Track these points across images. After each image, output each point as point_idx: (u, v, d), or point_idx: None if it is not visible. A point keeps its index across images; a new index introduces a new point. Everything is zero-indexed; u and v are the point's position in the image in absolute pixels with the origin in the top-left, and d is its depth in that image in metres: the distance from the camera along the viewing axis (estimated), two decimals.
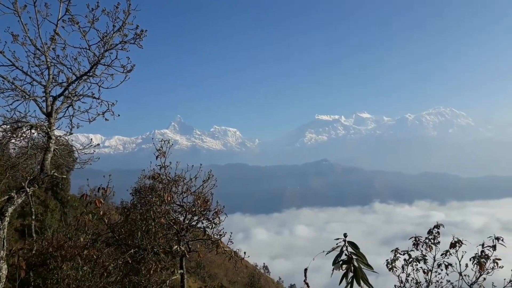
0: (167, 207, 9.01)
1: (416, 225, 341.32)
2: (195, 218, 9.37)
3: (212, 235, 9.20)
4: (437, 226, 8.53)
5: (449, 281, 8.43)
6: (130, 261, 8.96)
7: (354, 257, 3.02)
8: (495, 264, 7.62)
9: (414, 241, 8.78)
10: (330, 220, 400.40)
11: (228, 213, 9.11)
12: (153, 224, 8.79)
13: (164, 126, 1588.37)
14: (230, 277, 50.39)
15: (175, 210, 9.54)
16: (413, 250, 8.79)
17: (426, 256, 8.70)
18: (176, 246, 8.82)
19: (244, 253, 10.08)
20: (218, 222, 9.21)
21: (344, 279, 3.00)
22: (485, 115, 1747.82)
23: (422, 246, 8.70)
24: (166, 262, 8.76)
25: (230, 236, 9.48)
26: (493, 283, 7.70)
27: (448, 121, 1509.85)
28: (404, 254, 8.87)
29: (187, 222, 9.37)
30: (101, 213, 7.78)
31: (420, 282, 8.80)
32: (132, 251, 9.01)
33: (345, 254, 3.05)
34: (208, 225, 9.27)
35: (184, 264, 9.21)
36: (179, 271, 8.91)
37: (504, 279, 7.54)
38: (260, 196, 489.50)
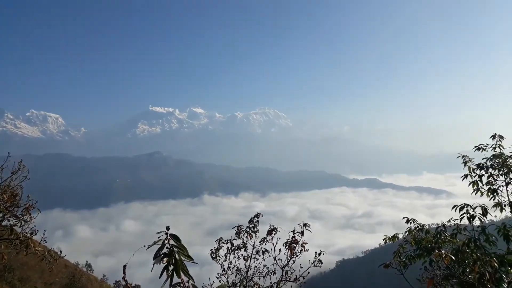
0: None
1: (240, 215, 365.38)
2: (0, 215, 7.97)
3: (21, 234, 7.89)
4: (257, 216, 8.94)
5: (265, 265, 9.03)
6: None
7: (175, 249, 3.00)
8: (303, 248, 8.27)
9: (236, 230, 9.20)
10: (159, 213, 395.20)
11: (45, 209, 7.90)
12: None
13: None
14: (47, 278, 45.29)
15: None
16: (236, 239, 9.21)
17: (246, 243, 9.13)
18: None
19: (60, 251, 9.09)
20: (28, 219, 7.91)
21: (165, 272, 2.98)
22: (301, 117, 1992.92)
23: (244, 235, 9.13)
24: None
25: (44, 234, 8.24)
26: (300, 264, 8.38)
27: (271, 121, 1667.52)
28: (227, 243, 9.28)
29: None
30: None
31: (241, 268, 9.24)
32: None
33: (167, 247, 3.03)
34: (16, 222, 7.90)
35: None
36: None
37: (309, 260, 8.47)
38: (84, 190, 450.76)
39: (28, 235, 7.84)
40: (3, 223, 7.91)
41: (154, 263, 2.98)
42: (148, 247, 2.99)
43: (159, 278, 2.90)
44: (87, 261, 68.25)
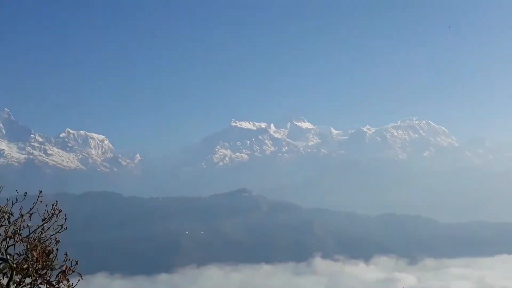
0: None
1: None
2: (28, 280, 8.03)
3: None
4: None
5: None
6: None
7: None
8: None
9: None
10: (247, 284, 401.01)
11: (86, 273, 7.77)
12: None
13: None
14: None
15: None
16: None
17: None
18: None
19: None
20: None
21: None
22: (475, 134, 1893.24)
23: None
24: None
25: None
26: None
27: (424, 140, 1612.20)
28: None
29: (14, 287, 8.07)
30: None
31: None
32: None
33: None
34: None
35: None
36: None
37: None
38: (140, 246, 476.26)
39: None
40: None
41: None
42: None
43: None
44: None
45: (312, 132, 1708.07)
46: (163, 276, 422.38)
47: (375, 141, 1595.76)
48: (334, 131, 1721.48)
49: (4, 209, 7.97)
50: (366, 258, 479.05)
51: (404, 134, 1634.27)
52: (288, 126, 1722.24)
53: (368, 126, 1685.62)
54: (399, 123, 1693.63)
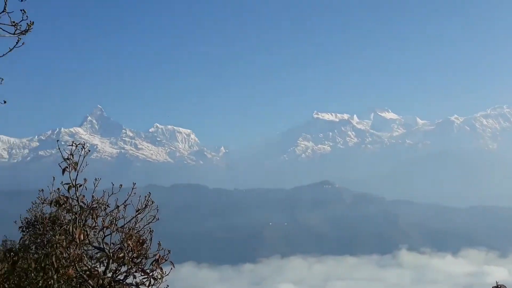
0: (78, 250, 8.21)
1: (465, 287, 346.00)
2: (124, 268, 8.64)
3: None
4: None
5: None
6: None
7: None
8: None
9: None
10: (331, 276, 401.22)
11: (175, 263, 8.85)
12: (55, 277, 7.81)
13: (76, 122, 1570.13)
14: None
15: (91, 255, 8.85)
16: None
17: None
18: None
19: None
20: (159, 277, 8.45)
21: None
22: None
23: None
24: None
25: None
26: None
27: None
28: None
29: (111, 275, 8.61)
30: None
31: None
32: None
33: None
34: (144, 280, 8.47)
35: None
36: None
37: None
38: (225, 237, 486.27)
39: None
40: (128, 280, 8.42)
41: None
42: None
43: None
44: None
45: (397, 122, 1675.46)
46: (248, 266, 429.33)
47: (463, 130, 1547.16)
48: (420, 121, 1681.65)
49: (101, 201, 8.70)
50: (454, 251, 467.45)
51: (495, 122, 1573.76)
52: (372, 117, 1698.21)
53: (456, 115, 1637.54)
54: (489, 111, 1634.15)
